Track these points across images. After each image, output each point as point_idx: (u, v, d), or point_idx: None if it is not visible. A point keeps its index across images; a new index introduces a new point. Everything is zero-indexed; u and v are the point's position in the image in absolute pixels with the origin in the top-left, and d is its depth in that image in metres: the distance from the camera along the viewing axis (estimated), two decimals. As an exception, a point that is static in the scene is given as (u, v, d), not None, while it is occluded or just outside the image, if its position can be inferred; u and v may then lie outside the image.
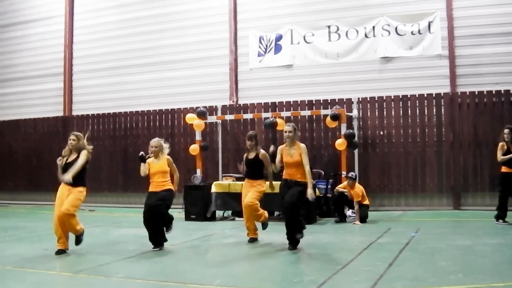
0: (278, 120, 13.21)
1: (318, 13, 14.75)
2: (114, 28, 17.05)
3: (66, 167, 8.24)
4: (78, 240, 8.28)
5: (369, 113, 14.07)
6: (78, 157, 8.25)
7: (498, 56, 13.25)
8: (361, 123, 14.04)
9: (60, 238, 8.09)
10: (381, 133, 13.98)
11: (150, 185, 8.64)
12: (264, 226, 9.17)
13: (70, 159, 8.33)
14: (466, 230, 10.17)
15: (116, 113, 16.86)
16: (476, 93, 13.31)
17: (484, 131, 13.20)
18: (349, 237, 9.79)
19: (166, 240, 8.57)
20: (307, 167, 8.11)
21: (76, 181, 8.16)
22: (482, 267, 6.65)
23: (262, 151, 9.04)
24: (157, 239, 8.47)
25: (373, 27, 14.17)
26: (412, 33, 13.86)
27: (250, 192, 8.88)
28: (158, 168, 8.57)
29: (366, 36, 14.25)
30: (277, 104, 14.76)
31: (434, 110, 13.63)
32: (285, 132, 8.26)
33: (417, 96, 13.73)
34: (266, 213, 9.12)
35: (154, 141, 8.76)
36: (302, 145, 8.21)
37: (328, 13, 14.63)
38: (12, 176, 18.26)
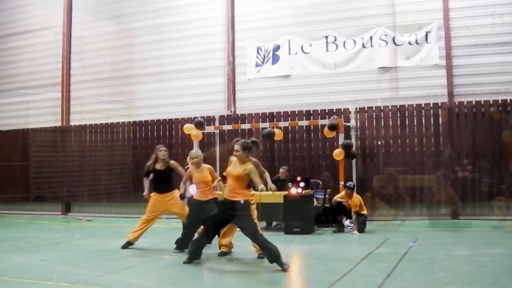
0: (276, 131, 13.23)
1: (316, 24, 14.78)
2: (112, 38, 17.06)
3: (159, 174, 9.44)
4: (125, 246, 9.42)
5: (366, 123, 14.06)
6: (168, 167, 9.49)
7: (496, 66, 13.23)
8: (358, 133, 14.05)
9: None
10: (379, 143, 13.98)
11: (196, 193, 9.26)
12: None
13: (158, 167, 9.48)
14: (464, 240, 10.16)
15: (114, 123, 16.82)
16: (474, 103, 13.34)
17: (482, 141, 13.21)
18: (347, 247, 9.78)
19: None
20: (259, 185, 7.40)
21: (170, 188, 9.54)
22: (481, 277, 6.63)
23: (253, 159, 8.43)
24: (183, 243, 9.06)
25: (371, 37, 14.21)
26: (409, 43, 13.91)
27: None
28: (201, 178, 9.08)
29: (363, 46, 14.29)
30: (274, 114, 14.76)
31: (432, 120, 13.64)
32: (234, 151, 7.76)
33: (414, 106, 13.73)
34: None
35: (194, 153, 9.34)
36: (252, 164, 7.68)
37: (326, 24, 14.65)
38: (10, 186, 18.19)
